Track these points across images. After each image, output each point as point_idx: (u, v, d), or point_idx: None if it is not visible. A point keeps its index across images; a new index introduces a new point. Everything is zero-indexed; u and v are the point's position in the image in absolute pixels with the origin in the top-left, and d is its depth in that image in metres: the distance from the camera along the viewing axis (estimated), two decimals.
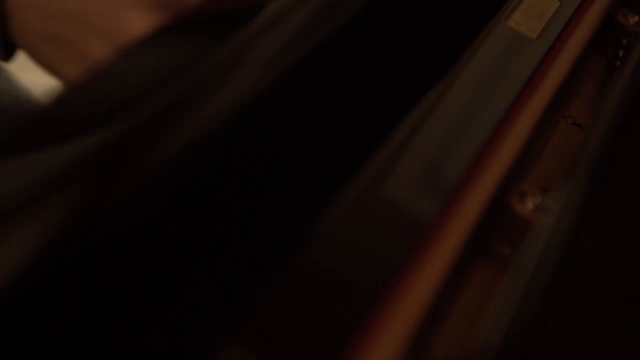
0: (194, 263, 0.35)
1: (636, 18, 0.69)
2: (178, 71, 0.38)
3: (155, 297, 0.34)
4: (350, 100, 0.46)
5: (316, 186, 0.41)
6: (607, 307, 0.37)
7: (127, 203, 0.33)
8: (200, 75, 0.38)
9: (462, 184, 0.45)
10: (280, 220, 0.39)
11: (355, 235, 0.40)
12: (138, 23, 0.51)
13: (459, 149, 0.48)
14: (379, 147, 0.44)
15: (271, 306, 0.35)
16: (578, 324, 0.36)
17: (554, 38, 0.58)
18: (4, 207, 0.31)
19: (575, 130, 0.61)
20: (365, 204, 0.41)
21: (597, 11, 0.64)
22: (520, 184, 0.51)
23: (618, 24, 0.68)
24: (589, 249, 0.40)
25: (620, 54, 0.67)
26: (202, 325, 0.34)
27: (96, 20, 0.51)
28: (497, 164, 0.48)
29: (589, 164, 0.46)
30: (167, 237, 0.35)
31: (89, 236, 0.32)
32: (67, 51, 0.52)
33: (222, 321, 0.34)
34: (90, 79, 0.36)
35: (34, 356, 0.30)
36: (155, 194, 0.34)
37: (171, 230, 0.35)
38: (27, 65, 0.61)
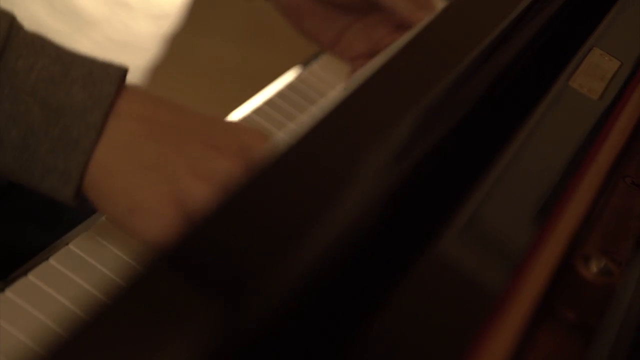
0: None
1: None
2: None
3: None
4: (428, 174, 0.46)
5: (392, 257, 0.42)
6: None
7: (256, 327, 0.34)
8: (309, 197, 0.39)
9: (529, 250, 0.45)
10: (360, 294, 0.40)
11: (429, 303, 0.40)
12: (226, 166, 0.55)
13: (524, 214, 0.48)
14: (449, 216, 0.44)
15: None
16: None
17: (615, 99, 0.58)
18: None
19: (634, 190, 0.61)
20: (436, 272, 0.42)
21: None
22: (584, 247, 0.51)
23: None
24: None
25: None
26: None
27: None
28: (562, 228, 0.48)
29: None
30: None
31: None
32: (158, 177, 0.55)
33: None
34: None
35: None
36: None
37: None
38: None
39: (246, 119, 0.76)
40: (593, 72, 0.59)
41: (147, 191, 0.55)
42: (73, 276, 0.58)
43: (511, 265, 0.44)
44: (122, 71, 0.57)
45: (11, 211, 0.79)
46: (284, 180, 0.40)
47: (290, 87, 0.83)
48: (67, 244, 0.60)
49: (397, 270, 0.40)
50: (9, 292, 0.56)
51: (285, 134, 0.76)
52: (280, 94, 0.81)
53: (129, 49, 1.40)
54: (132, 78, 1.47)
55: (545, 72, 0.58)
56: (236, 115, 0.76)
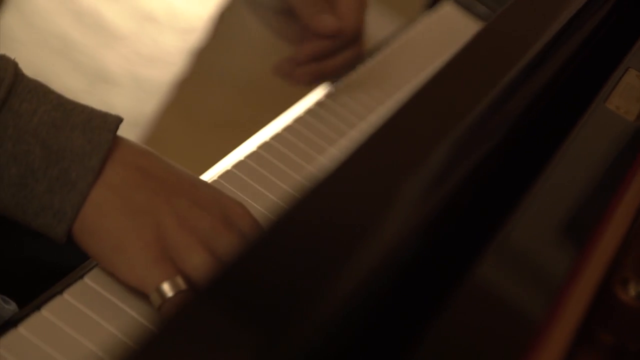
0: None
1: None
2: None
3: None
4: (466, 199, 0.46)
5: (432, 285, 0.42)
6: None
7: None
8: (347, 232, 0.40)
9: (569, 274, 0.45)
10: (402, 322, 0.40)
11: (470, 329, 0.40)
12: None
13: (563, 236, 0.48)
14: (487, 241, 0.44)
15: None
16: None
17: None
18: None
19: None
20: (477, 299, 0.42)
21: None
22: (622, 271, 0.51)
23: None
24: None
25: None
26: None
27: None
28: (601, 251, 0.48)
29: None
30: None
31: None
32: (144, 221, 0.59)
33: None
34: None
35: None
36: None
37: None
38: None
39: (277, 138, 0.76)
40: (629, 94, 0.59)
41: (133, 232, 0.58)
42: (108, 295, 0.59)
43: (551, 290, 0.44)
44: (119, 120, 0.60)
45: None
46: (324, 208, 0.40)
47: (319, 104, 0.83)
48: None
49: (437, 298, 0.40)
50: (44, 311, 0.56)
51: (317, 152, 0.76)
52: (310, 111, 0.81)
53: (156, 63, 1.41)
54: (159, 92, 1.48)
55: (581, 93, 0.58)
56: (266, 133, 0.76)
